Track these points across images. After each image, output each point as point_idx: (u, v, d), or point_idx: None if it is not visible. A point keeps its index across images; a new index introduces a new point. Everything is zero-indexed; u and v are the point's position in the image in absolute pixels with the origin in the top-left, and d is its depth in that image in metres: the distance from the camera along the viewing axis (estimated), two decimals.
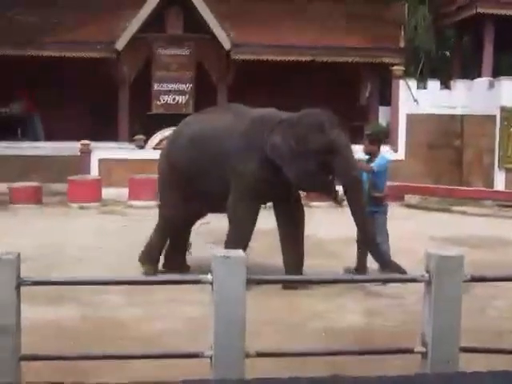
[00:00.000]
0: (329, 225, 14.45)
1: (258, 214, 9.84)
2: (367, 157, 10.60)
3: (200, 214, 10.76)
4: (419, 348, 5.29)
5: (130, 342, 7.49)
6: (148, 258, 10.54)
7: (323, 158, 9.30)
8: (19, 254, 4.87)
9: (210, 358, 4.97)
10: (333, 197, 9.98)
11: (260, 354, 5.14)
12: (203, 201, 10.18)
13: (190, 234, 10.88)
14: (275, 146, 9.46)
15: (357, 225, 9.67)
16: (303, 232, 10.08)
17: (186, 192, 10.16)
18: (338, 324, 8.33)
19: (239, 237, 9.70)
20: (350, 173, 9.45)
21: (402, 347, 5.83)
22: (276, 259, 10.90)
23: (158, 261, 10.59)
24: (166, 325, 8.20)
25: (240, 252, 4.90)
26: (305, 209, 10.69)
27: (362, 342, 7.61)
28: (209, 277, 4.84)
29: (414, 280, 5.37)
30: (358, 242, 10.37)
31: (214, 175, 9.88)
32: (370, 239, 9.64)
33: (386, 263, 9.77)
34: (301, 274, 9.40)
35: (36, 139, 21.17)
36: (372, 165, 10.28)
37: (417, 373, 5.08)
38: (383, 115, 22.04)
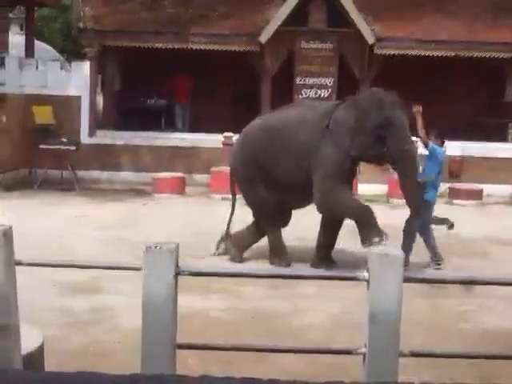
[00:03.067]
0: (472, 223, 14.18)
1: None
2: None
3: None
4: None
5: (276, 334, 7.54)
6: (277, 253, 10.85)
7: (379, 132, 9.99)
8: (178, 244, 4.94)
9: (363, 355, 4.92)
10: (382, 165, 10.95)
11: (414, 354, 5.05)
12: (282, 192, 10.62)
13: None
14: (337, 120, 10.21)
15: (405, 195, 10.56)
16: None
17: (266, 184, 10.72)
18: (484, 326, 8.14)
19: (362, 213, 10.18)
20: (402, 147, 10.06)
21: None
22: (426, 256, 10.79)
23: (285, 252, 10.90)
24: (311, 319, 8.22)
25: (398, 250, 4.84)
26: (448, 207, 10.69)
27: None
28: (365, 274, 4.79)
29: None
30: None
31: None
32: (415, 211, 10.43)
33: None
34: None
35: (177, 129, 21.45)
36: (431, 144, 10.78)
37: None
38: None
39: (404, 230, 10.74)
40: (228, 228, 11.32)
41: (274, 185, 10.62)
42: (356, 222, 10.19)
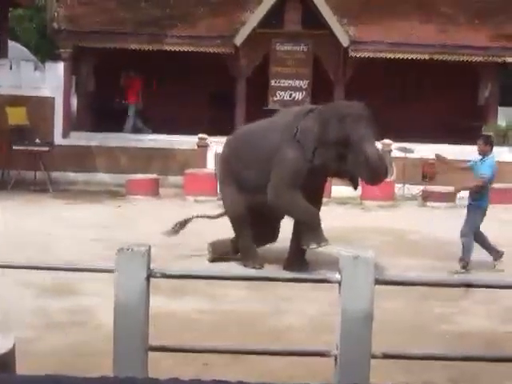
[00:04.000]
0: (445, 226, 14.23)
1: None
2: (480, 157, 11.13)
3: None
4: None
5: (253, 336, 7.54)
6: (250, 255, 10.88)
7: (339, 148, 9.85)
8: (150, 247, 4.94)
9: (335, 357, 4.94)
10: (353, 185, 10.56)
11: (386, 356, 5.07)
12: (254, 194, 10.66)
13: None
14: (303, 130, 10.15)
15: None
16: None
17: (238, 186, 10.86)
18: (462, 328, 8.19)
19: (307, 215, 10.18)
20: (359, 160, 9.74)
21: None
22: (399, 258, 10.86)
23: (256, 254, 10.89)
24: (288, 321, 8.22)
25: (369, 252, 4.86)
26: (421, 209, 10.73)
27: (488, 347, 7.45)
28: (337, 276, 4.81)
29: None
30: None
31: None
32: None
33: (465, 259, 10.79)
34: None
35: (126, 130, 21.26)
36: (483, 176, 10.93)
37: None
38: (504, 116, 21.52)
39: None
40: (194, 217, 11.63)
41: (244, 188, 10.73)
42: (301, 224, 10.26)
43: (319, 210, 10.50)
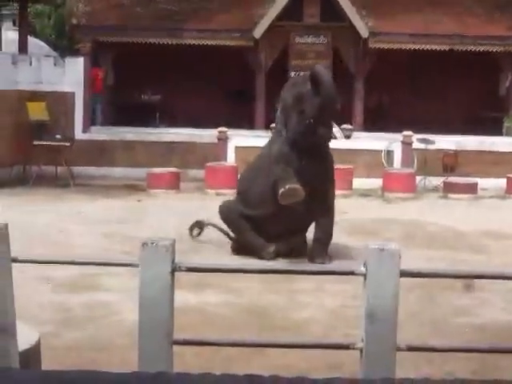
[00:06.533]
0: (467, 217, 14.20)
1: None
2: None
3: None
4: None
5: (273, 329, 7.53)
6: (260, 248, 10.88)
7: (296, 107, 10.39)
8: (174, 240, 4.93)
9: (360, 350, 4.92)
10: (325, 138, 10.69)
11: (410, 348, 5.05)
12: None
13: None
14: (276, 117, 11.06)
15: None
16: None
17: None
18: (482, 319, 8.15)
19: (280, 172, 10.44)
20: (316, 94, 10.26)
21: None
22: (420, 250, 10.84)
23: (263, 243, 10.84)
24: (308, 314, 8.21)
25: (394, 245, 4.84)
26: (443, 201, 10.58)
27: (509, 339, 7.41)
28: (362, 268, 4.79)
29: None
30: None
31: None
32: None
33: None
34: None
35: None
36: None
37: None
38: None
39: None
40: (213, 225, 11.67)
41: (248, 200, 11.04)
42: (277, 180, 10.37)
43: (330, 216, 10.61)
